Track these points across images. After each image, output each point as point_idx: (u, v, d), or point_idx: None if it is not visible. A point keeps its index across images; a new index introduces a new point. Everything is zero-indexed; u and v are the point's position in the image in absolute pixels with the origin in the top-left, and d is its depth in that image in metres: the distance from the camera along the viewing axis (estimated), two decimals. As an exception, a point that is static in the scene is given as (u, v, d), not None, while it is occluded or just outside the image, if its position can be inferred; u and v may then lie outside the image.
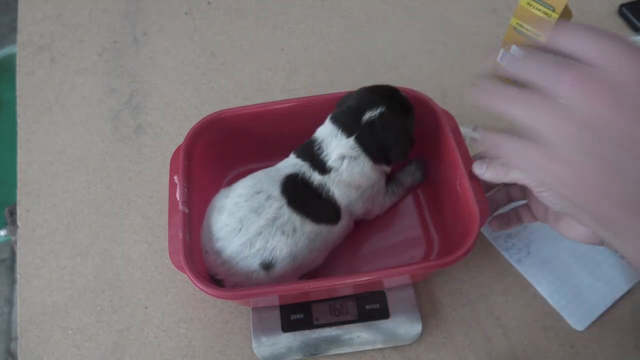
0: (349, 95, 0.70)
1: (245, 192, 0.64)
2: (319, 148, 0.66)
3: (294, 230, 0.63)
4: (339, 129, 0.66)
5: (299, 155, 0.68)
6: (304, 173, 0.65)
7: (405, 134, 0.68)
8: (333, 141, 0.65)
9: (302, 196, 0.64)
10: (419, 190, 0.79)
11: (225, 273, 0.63)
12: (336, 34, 1.00)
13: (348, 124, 0.66)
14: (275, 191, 0.63)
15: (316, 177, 0.65)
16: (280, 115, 0.72)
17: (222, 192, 0.68)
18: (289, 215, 0.63)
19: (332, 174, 0.65)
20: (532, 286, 0.73)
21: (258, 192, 0.64)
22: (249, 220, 0.62)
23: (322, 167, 0.65)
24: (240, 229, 0.62)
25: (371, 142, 0.65)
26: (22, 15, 1.03)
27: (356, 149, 0.65)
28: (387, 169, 0.70)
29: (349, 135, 0.65)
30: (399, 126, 0.67)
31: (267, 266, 0.63)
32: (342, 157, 0.65)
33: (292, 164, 0.67)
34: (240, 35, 1.00)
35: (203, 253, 0.65)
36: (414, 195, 0.78)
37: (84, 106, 0.91)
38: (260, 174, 0.67)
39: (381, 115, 0.65)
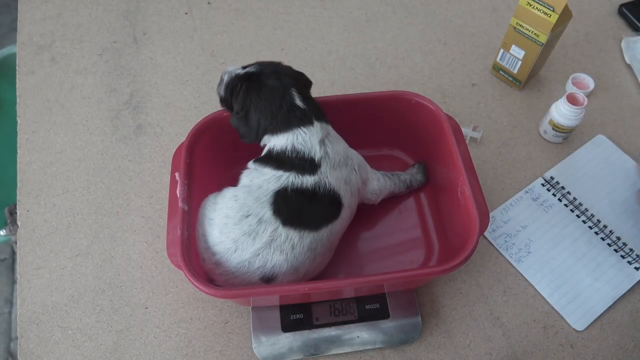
0: (241, 118, 0.66)
1: (233, 215, 0.62)
2: (297, 153, 0.64)
3: (293, 247, 0.62)
4: (299, 126, 0.64)
5: (277, 167, 0.64)
6: (293, 183, 0.63)
7: (296, 72, 0.69)
8: (306, 137, 0.64)
9: (297, 209, 0.62)
10: (422, 195, 0.79)
11: (224, 282, 0.63)
12: (336, 34, 1.00)
13: (300, 117, 0.64)
14: (267, 213, 0.61)
15: (308, 180, 0.63)
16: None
17: (211, 199, 0.66)
18: (286, 234, 0.61)
19: (323, 165, 0.64)
20: (532, 286, 0.73)
21: (247, 216, 0.62)
22: (244, 243, 0.61)
23: (311, 167, 0.64)
24: (236, 249, 0.61)
25: (317, 109, 0.66)
26: (22, 15, 1.03)
27: (323, 126, 0.66)
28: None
29: (311, 122, 0.65)
30: (304, 79, 0.69)
31: (268, 280, 0.62)
32: (322, 142, 0.64)
33: (274, 177, 0.64)
34: (240, 35, 1.00)
35: (200, 260, 0.65)
36: (415, 199, 0.79)
37: (84, 106, 0.91)
38: (241, 195, 0.64)
39: (297, 89, 0.65)
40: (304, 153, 0.64)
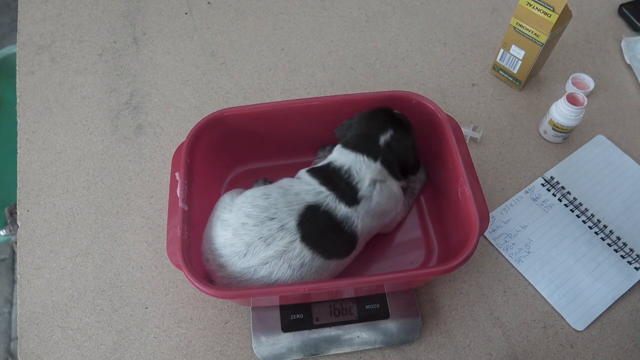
0: (348, 123, 0.71)
1: (256, 215, 0.62)
2: (349, 176, 0.65)
3: (302, 265, 0.61)
4: (364, 154, 0.66)
5: (323, 183, 0.64)
6: (327, 205, 0.63)
7: (415, 148, 0.71)
8: (362, 167, 0.65)
9: (320, 230, 0.62)
10: (422, 195, 0.79)
11: (226, 284, 0.63)
12: (336, 34, 1.00)
13: (370, 149, 0.66)
14: (291, 222, 0.61)
15: (342, 210, 0.63)
16: (283, 115, 0.73)
17: (227, 200, 0.66)
18: (300, 250, 0.61)
19: (361, 205, 0.64)
20: (532, 286, 0.73)
21: (271, 219, 0.61)
22: (256, 247, 0.60)
23: (351, 198, 0.64)
24: (246, 253, 0.61)
25: (393, 163, 0.67)
26: (22, 15, 1.03)
27: (384, 172, 0.66)
28: (405, 183, 0.72)
29: (375, 159, 0.66)
30: (409, 143, 0.69)
31: None
32: (374, 183, 0.65)
33: (315, 191, 0.64)
34: (240, 35, 1.00)
35: (203, 260, 0.65)
36: (416, 199, 0.78)
37: (84, 106, 0.91)
38: (275, 193, 0.64)
39: (392, 136, 0.67)
40: (354, 180, 0.65)
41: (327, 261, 0.63)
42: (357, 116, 0.70)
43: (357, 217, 0.63)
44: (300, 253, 0.61)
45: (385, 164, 0.66)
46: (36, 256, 0.76)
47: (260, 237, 0.60)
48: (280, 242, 0.60)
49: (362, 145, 0.67)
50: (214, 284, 0.63)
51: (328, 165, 0.67)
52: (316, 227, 0.62)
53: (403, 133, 0.69)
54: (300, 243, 0.61)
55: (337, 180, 0.64)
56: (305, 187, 0.64)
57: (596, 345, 0.69)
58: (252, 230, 0.61)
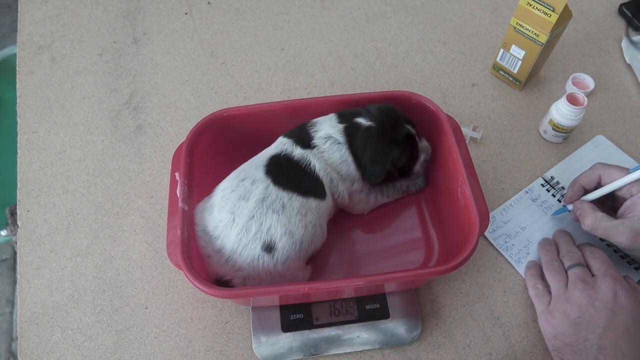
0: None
1: (230, 184, 0.66)
2: (312, 126, 0.69)
3: (284, 207, 0.63)
4: (336, 115, 0.70)
5: (286, 135, 0.70)
6: (286, 150, 0.68)
7: (383, 159, 0.68)
8: (326, 122, 0.69)
9: (286, 172, 0.66)
10: (421, 195, 0.79)
11: (232, 269, 0.63)
12: (336, 34, 1.00)
13: (345, 116, 0.70)
14: (260, 174, 0.65)
15: (297, 151, 0.67)
16: (283, 115, 0.73)
17: (205, 199, 0.68)
18: (276, 193, 0.64)
19: (315, 150, 0.68)
20: (532, 286, 0.73)
21: (243, 180, 0.65)
22: (239, 207, 0.63)
23: (305, 143, 0.68)
24: (234, 219, 0.63)
25: (354, 142, 0.68)
26: (22, 15, 1.03)
27: (342, 136, 0.68)
28: (362, 184, 0.72)
29: (340, 122, 0.69)
30: (376, 146, 0.68)
31: (268, 248, 0.63)
32: (328, 137, 0.68)
33: (277, 144, 0.69)
34: (240, 35, 1.00)
35: (205, 258, 0.65)
36: (415, 200, 0.78)
37: (84, 106, 0.91)
38: (243, 165, 0.69)
39: (368, 127, 0.68)
40: (313, 129, 0.69)
41: (306, 199, 0.65)
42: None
43: (313, 157, 0.67)
44: (277, 196, 0.64)
45: (347, 132, 0.68)
46: (36, 256, 0.76)
47: (240, 198, 0.64)
48: (257, 190, 0.64)
49: (343, 113, 0.71)
50: (222, 280, 0.64)
51: (307, 121, 0.71)
52: (281, 171, 0.66)
53: (381, 136, 0.68)
54: (274, 186, 0.64)
55: (300, 130, 0.69)
56: (272, 146, 0.70)
57: (596, 345, 0.68)
58: (231, 196, 0.64)
